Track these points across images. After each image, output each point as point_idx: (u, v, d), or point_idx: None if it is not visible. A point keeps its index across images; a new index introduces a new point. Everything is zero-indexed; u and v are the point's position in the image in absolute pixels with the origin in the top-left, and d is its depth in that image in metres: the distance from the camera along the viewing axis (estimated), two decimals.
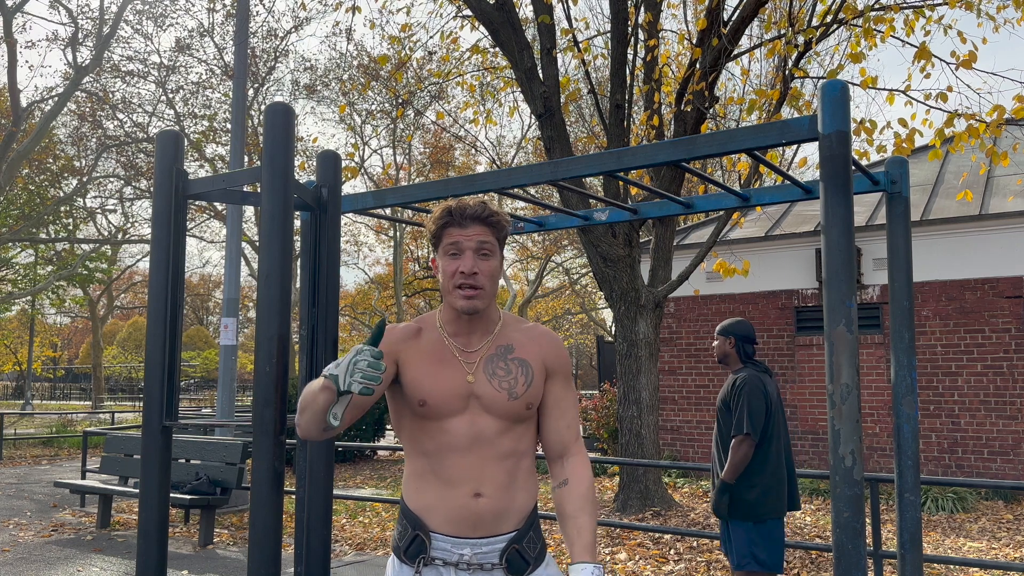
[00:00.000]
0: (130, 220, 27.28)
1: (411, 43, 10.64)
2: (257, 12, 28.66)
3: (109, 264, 27.32)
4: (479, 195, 2.63)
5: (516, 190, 4.73)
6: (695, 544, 6.96)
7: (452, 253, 1.92)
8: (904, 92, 7.36)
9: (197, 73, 29.53)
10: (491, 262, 1.94)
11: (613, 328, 8.93)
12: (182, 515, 8.53)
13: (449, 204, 1.96)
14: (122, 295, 44.25)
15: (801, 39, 7.73)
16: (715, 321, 11.68)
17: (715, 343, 4.27)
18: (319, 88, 24.28)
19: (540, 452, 2.21)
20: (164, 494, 1.94)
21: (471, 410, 1.95)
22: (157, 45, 50.46)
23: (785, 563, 6.41)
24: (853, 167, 2.10)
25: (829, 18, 7.96)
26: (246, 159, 16.77)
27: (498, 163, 24.42)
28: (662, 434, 11.68)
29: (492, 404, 1.94)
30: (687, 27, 10.41)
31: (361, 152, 26.73)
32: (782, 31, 8.56)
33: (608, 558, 6.57)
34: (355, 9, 9.57)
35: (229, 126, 16.93)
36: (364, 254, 56.47)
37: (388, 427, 15.35)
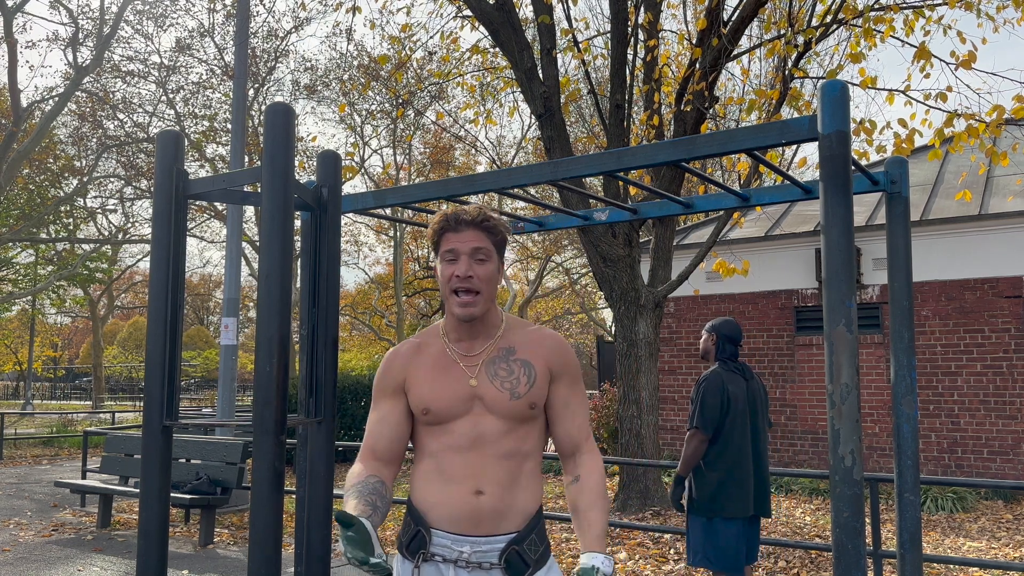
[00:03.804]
0: (130, 220, 27.29)
1: (411, 43, 10.64)
2: (257, 12, 28.64)
3: (109, 264, 27.33)
4: (477, 199, 2.64)
5: (516, 190, 4.72)
6: None
7: (449, 259, 1.98)
8: (904, 92, 7.36)
9: (197, 73, 29.54)
10: (487, 267, 1.98)
11: (613, 328, 8.93)
12: (182, 515, 8.53)
13: (446, 211, 2.02)
14: (122, 295, 44.25)
15: (801, 39, 7.72)
16: None
17: (701, 339, 4.38)
18: (319, 88, 24.27)
19: (549, 453, 2.24)
20: (164, 494, 1.94)
21: (474, 412, 1.99)
22: (157, 45, 50.44)
23: (785, 563, 6.41)
24: (853, 167, 2.10)
25: (829, 18, 7.96)
26: (246, 159, 16.78)
27: (498, 163, 24.42)
28: (662, 434, 11.68)
29: (494, 404, 1.98)
30: (687, 27, 10.41)
31: (361, 152, 26.73)
32: (782, 31, 8.56)
33: None
34: (355, 9, 9.57)
35: (229, 126, 16.93)
36: (364, 254, 56.49)
37: None
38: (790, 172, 4.96)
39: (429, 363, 2.05)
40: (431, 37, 11.57)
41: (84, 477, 10.38)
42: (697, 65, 8.37)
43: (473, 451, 1.97)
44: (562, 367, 2.06)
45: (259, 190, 1.87)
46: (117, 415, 21.55)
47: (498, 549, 1.95)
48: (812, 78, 10.84)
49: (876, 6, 7.70)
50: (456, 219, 1.99)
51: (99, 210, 25.82)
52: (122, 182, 24.00)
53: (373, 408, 2.09)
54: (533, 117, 9.74)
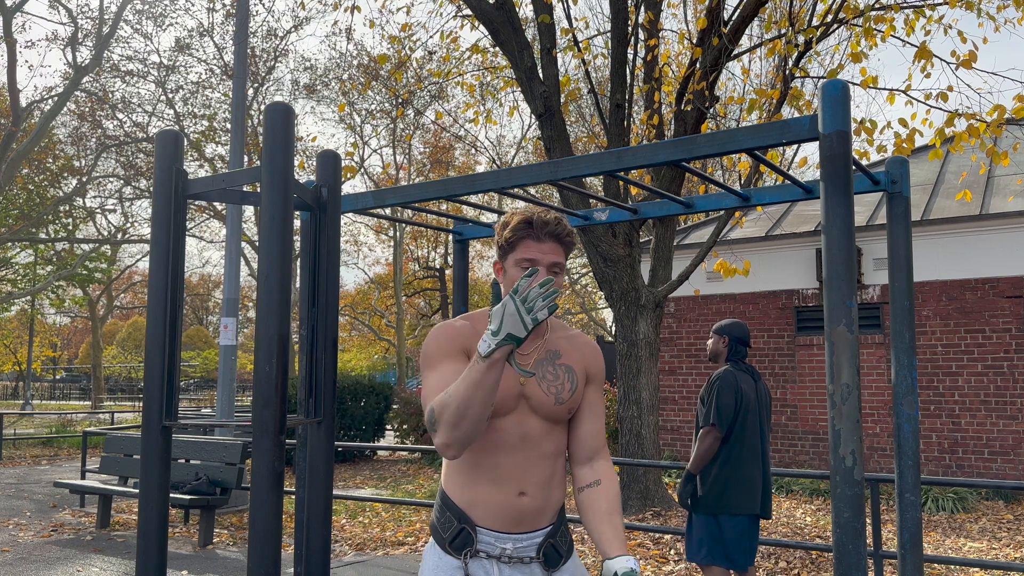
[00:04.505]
0: (130, 220, 27.29)
1: (411, 43, 10.63)
2: (257, 12, 28.62)
3: (109, 264, 27.31)
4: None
5: (516, 190, 4.73)
6: None
7: (526, 267, 1.96)
8: (904, 92, 7.36)
9: (197, 73, 29.58)
10: (559, 280, 1.98)
11: (613, 328, 8.93)
12: (182, 515, 8.53)
13: (529, 215, 1.98)
14: (122, 295, 44.25)
15: (801, 39, 7.72)
16: (715, 321, 11.67)
17: (710, 341, 4.45)
18: (319, 88, 24.28)
19: None
20: (164, 494, 1.93)
21: (520, 410, 2.02)
22: (157, 45, 50.37)
23: (785, 564, 6.41)
24: (853, 167, 2.10)
25: (829, 18, 7.96)
26: (246, 159, 16.77)
27: (498, 163, 24.42)
28: (662, 434, 11.68)
29: (540, 406, 2.02)
30: (687, 27, 10.41)
31: (361, 152, 26.73)
32: (782, 31, 8.56)
33: None
34: (355, 9, 9.57)
35: (229, 126, 16.92)
36: (364, 254, 56.47)
37: (388, 427, 15.34)
38: (791, 172, 4.96)
39: None
40: (431, 36, 11.57)
41: (83, 477, 10.37)
42: (697, 64, 8.37)
43: (519, 451, 2.00)
44: (596, 372, 2.13)
45: (259, 190, 1.86)
46: (116, 415, 21.54)
47: (536, 544, 2.05)
48: (813, 78, 10.84)
49: (877, 6, 7.70)
50: (542, 229, 1.96)
51: (98, 210, 25.82)
52: (121, 182, 24.01)
53: (434, 369, 1.98)
54: (533, 117, 9.75)
